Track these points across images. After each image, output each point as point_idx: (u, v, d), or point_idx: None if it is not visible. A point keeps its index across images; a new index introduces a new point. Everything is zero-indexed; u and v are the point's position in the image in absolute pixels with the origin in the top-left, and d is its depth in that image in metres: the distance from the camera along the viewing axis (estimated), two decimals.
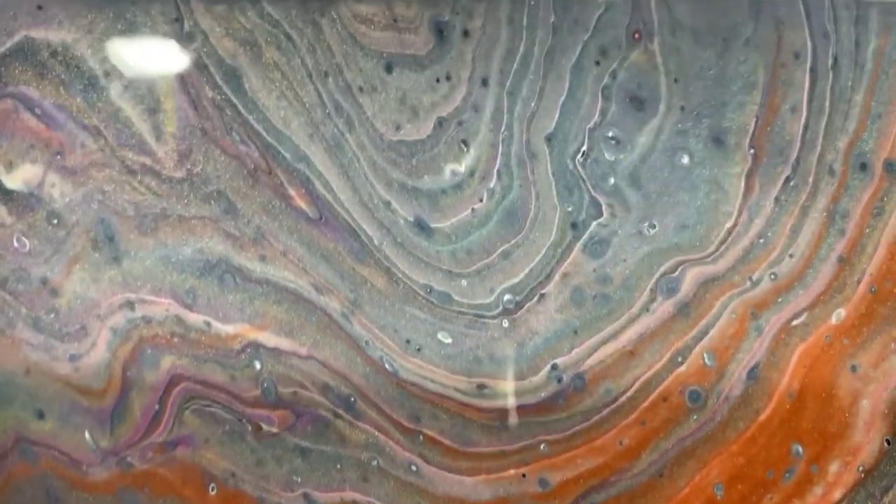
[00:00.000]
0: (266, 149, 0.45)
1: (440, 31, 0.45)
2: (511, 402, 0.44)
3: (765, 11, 0.45)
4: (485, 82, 0.45)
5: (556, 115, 0.45)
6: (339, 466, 0.46)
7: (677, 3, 0.45)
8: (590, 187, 0.45)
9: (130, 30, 0.45)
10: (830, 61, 0.45)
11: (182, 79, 0.45)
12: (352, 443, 0.47)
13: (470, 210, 0.46)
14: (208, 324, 0.46)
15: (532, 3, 0.45)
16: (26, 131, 0.46)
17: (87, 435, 0.47)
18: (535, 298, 0.46)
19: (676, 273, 0.45)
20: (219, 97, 0.45)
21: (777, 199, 0.45)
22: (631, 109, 0.45)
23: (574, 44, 0.44)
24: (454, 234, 0.46)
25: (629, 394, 0.46)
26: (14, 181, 0.46)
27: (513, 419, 0.44)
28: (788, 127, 0.44)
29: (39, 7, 0.45)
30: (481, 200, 0.46)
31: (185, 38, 0.45)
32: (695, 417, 0.46)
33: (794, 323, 0.45)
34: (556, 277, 0.46)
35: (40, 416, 0.48)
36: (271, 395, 0.47)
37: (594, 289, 0.46)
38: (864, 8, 0.45)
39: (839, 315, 0.45)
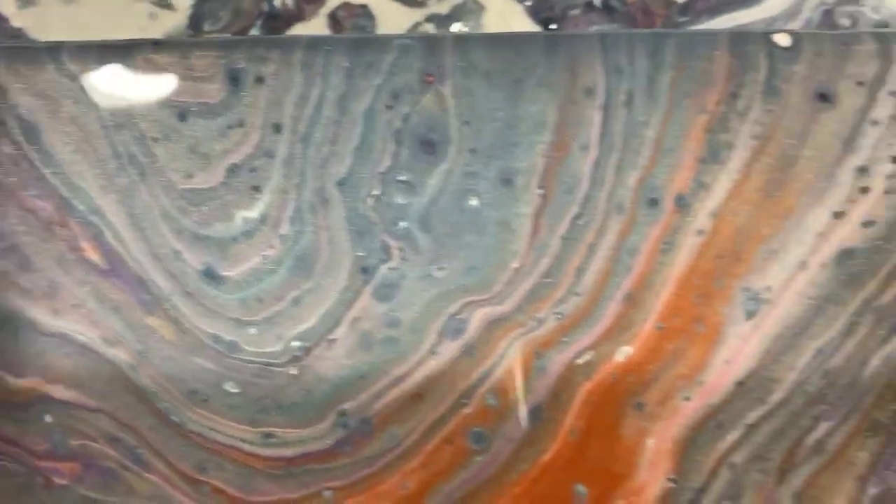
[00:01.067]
0: (61, 202, 0.51)
1: (235, 79, 0.51)
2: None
3: (560, 51, 0.50)
4: (278, 128, 0.51)
5: (349, 160, 0.51)
6: None
7: (471, 45, 0.51)
8: (380, 231, 0.50)
9: None
10: (623, 97, 0.51)
11: None
12: (139, 494, 0.50)
13: (261, 257, 0.50)
14: (1, 378, 0.51)
15: (328, 48, 0.51)
16: None
17: None
18: (324, 344, 0.50)
19: (463, 315, 0.50)
20: (16, 152, 0.51)
21: (564, 238, 0.49)
22: (422, 153, 0.50)
23: (367, 88, 0.50)
24: (244, 282, 0.50)
25: (414, 437, 0.49)
26: None
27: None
28: (578, 165, 0.50)
29: None
30: (272, 247, 0.50)
31: None
32: (478, 459, 0.49)
33: (579, 362, 0.48)
34: (346, 322, 0.50)
35: None
36: (61, 447, 0.51)
37: (382, 332, 0.50)
38: (660, 40, 0.51)
39: (625, 353, 0.49)
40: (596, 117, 0.48)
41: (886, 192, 0.47)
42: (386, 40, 0.49)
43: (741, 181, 0.47)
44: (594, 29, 0.65)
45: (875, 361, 0.45)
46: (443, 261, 0.47)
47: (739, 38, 0.49)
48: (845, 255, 0.46)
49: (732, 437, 0.45)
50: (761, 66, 0.48)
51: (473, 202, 0.47)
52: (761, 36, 0.49)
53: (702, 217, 0.47)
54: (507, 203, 0.47)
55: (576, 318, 0.46)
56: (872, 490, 0.45)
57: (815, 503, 0.45)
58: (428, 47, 0.49)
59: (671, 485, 0.45)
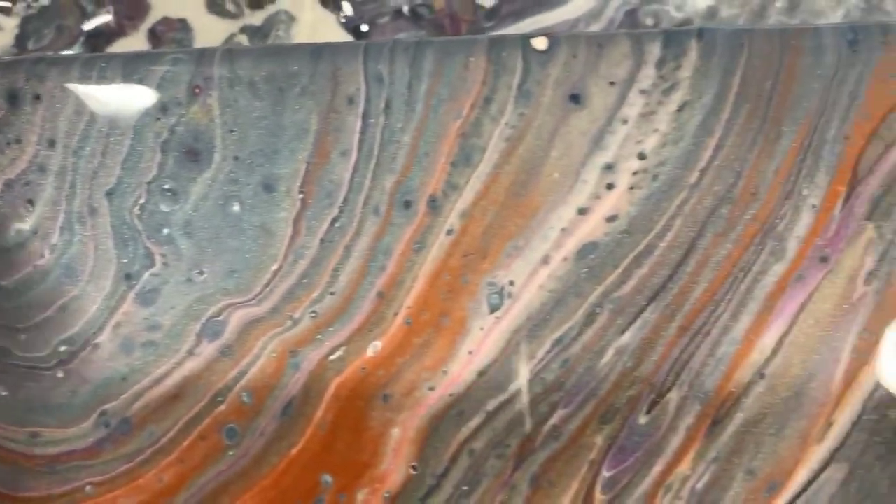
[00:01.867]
0: None
1: (14, 98, 0.57)
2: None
3: (324, 60, 0.56)
4: (52, 143, 0.57)
5: (118, 171, 0.56)
6: None
7: (239, 57, 0.57)
8: (145, 239, 0.56)
9: None
10: (383, 104, 0.57)
11: None
12: None
13: (32, 267, 0.56)
14: None
15: (103, 65, 0.57)
16: None
17: None
18: (89, 348, 0.56)
19: (222, 317, 0.55)
20: None
21: (322, 241, 0.55)
22: (187, 162, 0.56)
23: (138, 101, 0.56)
24: (16, 291, 0.56)
25: (170, 435, 0.55)
26: None
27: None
28: (338, 171, 0.55)
29: None
30: (43, 256, 0.56)
31: None
32: (231, 454, 0.55)
33: (332, 358, 0.54)
34: (109, 327, 0.56)
35: None
36: None
37: (144, 336, 0.56)
38: (421, 49, 0.57)
39: (375, 347, 0.54)
40: (356, 124, 0.54)
41: (631, 187, 0.53)
42: (157, 55, 0.55)
43: (490, 182, 0.53)
44: (402, 36, 0.71)
45: (611, 351, 0.51)
46: (204, 265, 0.53)
47: (497, 44, 0.55)
48: (588, 248, 0.52)
49: (473, 424, 0.51)
50: (517, 71, 0.55)
51: (235, 208, 0.53)
52: (519, 41, 0.56)
53: (452, 218, 0.53)
54: (268, 208, 0.53)
55: (330, 317, 0.51)
56: (606, 473, 0.51)
57: (550, 486, 0.51)
58: (197, 60, 0.55)
59: (413, 472, 0.51)
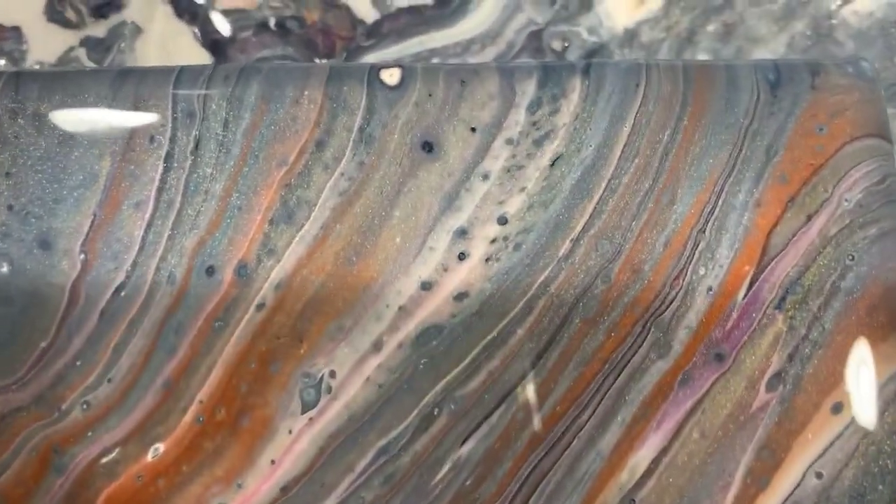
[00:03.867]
0: None
1: None
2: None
3: (127, 87, 0.46)
4: None
5: None
6: None
7: (26, 82, 0.47)
8: None
9: None
10: (192, 145, 0.47)
11: None
12: None
13: None
14: None
15: None
16: None
17: None
18: None
19: None
20: None
21: (103, 313, 0.45)
22: None
23: None
24: None
25: None
26: None
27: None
28: (129, 226, 0.45)
29: None
30: None
31: None
32: None
33: (103, 461, 0.44)
34: None
35: None
36: None
37: None
38: (245, 77, 0.47)
39: (157, 451, 0.44)
40: (156, 169, 0.44)
41: (487, 259, 0.43)
42: None
43: (317, 247, 0.43)
44: (265, 53, 0.61)
45: (447, 465, 0.41)
46: None
47: (338, 75, 0.45)
48: (430, 333, 0.42)
49: None
50: (359, 110, 0.44)
51: (3, 269, 0.43)
52: (365, 71, 0.45)
53: (265, 289, 0.42)
54: (42, 270, 0.43)
55: (106, 409, 0.42)
56: None
57: None
58: None
59: None
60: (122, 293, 0.41)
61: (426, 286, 0.41)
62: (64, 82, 0.44)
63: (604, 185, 0.42)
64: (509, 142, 0.43)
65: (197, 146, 0.43)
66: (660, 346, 0.41)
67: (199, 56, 0.57)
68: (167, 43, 0.59)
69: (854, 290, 0.41)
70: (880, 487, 0.39)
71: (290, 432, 0.40)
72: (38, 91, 0.44)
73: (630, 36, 0.58)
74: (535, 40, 0.58)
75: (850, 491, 0.40)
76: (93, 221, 0.42)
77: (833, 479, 0.40)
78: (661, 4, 0.57)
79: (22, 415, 0.42)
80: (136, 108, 0.43)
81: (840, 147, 0.43)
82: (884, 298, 0.41)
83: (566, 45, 0.57)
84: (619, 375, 0.41)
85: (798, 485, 0.40)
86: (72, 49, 0.59)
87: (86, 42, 0.59)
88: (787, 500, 0.40)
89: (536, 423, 0.41)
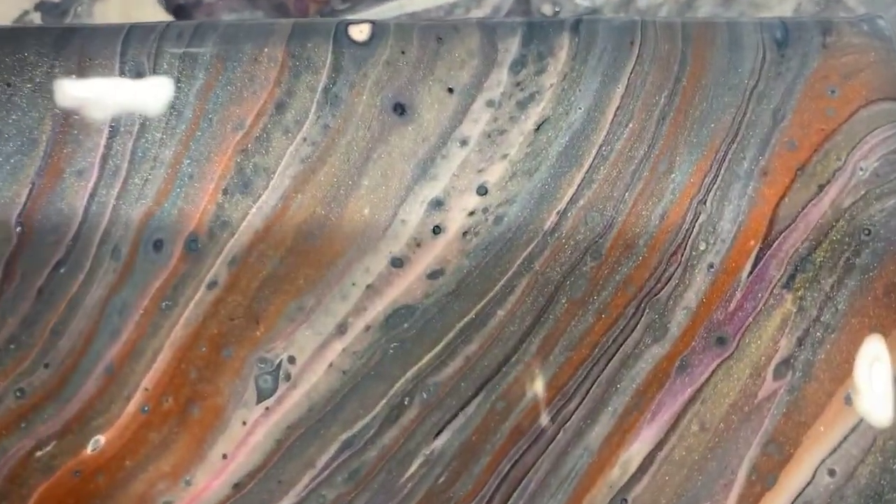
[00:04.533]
0: None
1: None
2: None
3: (72, 46, 0.42)
4: None
5: None
6: None
7: None
8: None
9: None
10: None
11: None
12: None
13: None
14: None
15: None
16: None
17: None
18: None
19: None
20: None
21: (41, 291, 0.40)
22: None
23: None
24: None
25: None
26: None
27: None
28: (70, 196, 0.41)
29: None
30: None
31: None
32: None
33: (38, 454, 0.40)
34: None
35: None
36: None
37: None
38: (199, 35, 0.42)
39: (97, 443, 0.40)
40: (101, 134, 0.39)
41: (465, 233, 0.38)
42: None
43: (276, 219, 0.38)
44: (233, 17, 0.57)
45: (419, 459, 0.36)
46: None
47: (302, 31, 0.40)
48: (400, 315, 0.38)
49: None
50: (324, 68, 0.40)
51: None
52: (332, 28, 0.41)
53: (217, 266, 0.38)
54: None
55: (41, 398, 0.37)
56: None
57: None
58: None
59: None
60: (62, 270, 0.37)
61: (397, 263, 0.37)
62: (2, 41, 0.40)
63: (594, 151, 0.38)
64: (490, 104, 0.38)
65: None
66: (655, 328, 0.37)
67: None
68: (129, 8, 0.55)
69: (870, 268, 0.37)
70: None
71: (245, 423, 0.36)
72: None
73: (626, 0, 0.54)
74: (524, 4, 0.53)
75: (865, 490, 0.35)
76: (31, 191, 0.38)
77: (847, 476, 0.35)
78: None
79: None
80: (80, 67, 0.39)
81: (854, 111, 0.38)
82: None
83: (557, 9, 0.52)
84: (609, 361, 0.37)
85: (809, 483, 0.35)
86: (26, 13, 0.55)
87: (41, 6, 0.55)
88: (796, 499, 0.35)
89: (545, 419, 0.36)
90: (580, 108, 0.39)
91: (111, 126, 0.38)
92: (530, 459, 0.36)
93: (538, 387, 0.37)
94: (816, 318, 0.37)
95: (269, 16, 0.54)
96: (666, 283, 0.38)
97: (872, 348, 0.37)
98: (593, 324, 0.37)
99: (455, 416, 0.37)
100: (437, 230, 0.38)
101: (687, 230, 0.38)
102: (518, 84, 0.39)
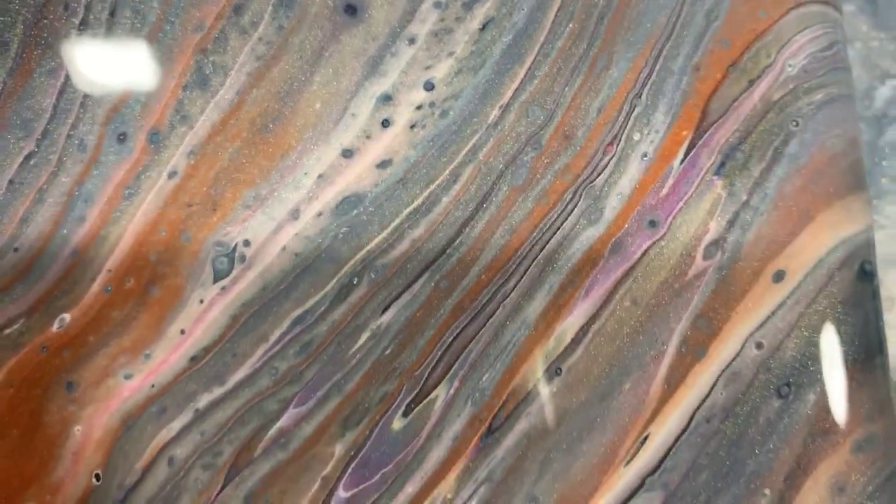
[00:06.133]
0: None
1: None
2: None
3: None
4: None
5: None
6: None
7: None
8: None
9: None
10: (107, 12, 0.45)
11: None
12: None
13: None
14: None
15: None
16: None
17: None
18: None
19: None
20: None
21: (12, 182, 0.43)
22: None
23: None
24: None
25: None
26: None
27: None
28: (40, 94, 0.43)
29: None
30: None
31: None
32: None
33: (6, 332, 0.42)
34: None
35: None
36: None
37: None
38: None
39: (63, 321, 0.42)
40: (70, 36, 0.42)
41: (412, 126, 0.41)
42: None
43: (232, 113, 0.41)
44: None
45: (366, 334, 0.39)
46: None
47: None
48: (350, 201, 0.40)
49: (177, 424, 0.39)
50: None
51: None
52: None
53: (178, 157, 0.41)
54: None
55: (10, 279, 0.40)
56: (343, 493, 0.39)
57: None
58: None
59: (96, 482, 0.38)
60: (32, 161, 0.39)
61: (347, 154, 0.39)
62: None
63: (536, 49, 0.40)
64: (437, 5, 0.41)
65: (112, 12, 0.41)
66: (591, 213, 0.39)
67: None
68: None
69: (799, 156, 0.39)
70: (823, 357, 0.37)
71: (202, 302, 0.38)
72: None
73: None
74: None
75: (791, 361, 0.38)
76: (2, 89, 0.40)
77: (774, 348, 0.38)
78: None
79: None
80: None
81: (785, 13, 0.41)
82: (829, 165, 0.39)
83: None
84: (547, 243, 0.39)
85: (737, 355, 0.38)
86: None
87: None
88: (724, 370, 0.38)
89: (457, 294, 0.38)
90: (523, 9, 0.41)
91: (79, 30, 0.41)
92: (471, 332, 0.39)
93: (481, 266, 0.39)
94: (746, 203, 0.40)
95: None
96: (601, 172, 0.40)
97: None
98: (532, 209, 0.40)
99: (401, 294, 0.39)
100: (385, 123, 0.41)
101: (622, 123, 0.40)
102: None
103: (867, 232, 0.39)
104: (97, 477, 0.37)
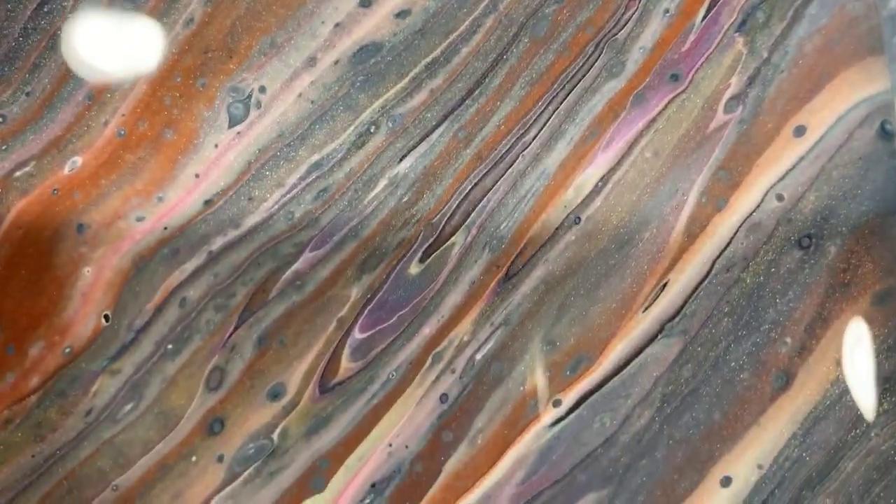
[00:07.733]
0: None
1: None
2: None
3: None
4: None
5: None
6: None
7: None
8: None
9: None
10: None
11: None
12: None
13: None
14: None
15: None
16: None
17: None
18: None
19: None
20: None
21: (26, 27, 0.42)
22: None
23: None
24: None
25: None
26: None
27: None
28: None
29: None
30: None
31: None
32: None
33: (17, 174, 0.41)
34: None
35: None
36: None
37: None
38: None
39: (74, 164, 0.42)
40: None
41: None
42: None
43: None
44: None
45: (383, 181, 0.39)
46: None
47: None
48: (368, 50, 0.40)
49: (190, 266, 0.38)
50: None
51: None
52: None
53: (194, 4, 0.40)
54: None
55: (22, 123, 0.39)
56: (358, 335, 0.38)
57: (281, 347, 0.38)
58: None
59: (105, 323, 0.38)
60: (46, 7, 0.39)
61: (365, 3, 0.39)
62: None
63: None
64: None
65: None
66: (612, 66, 0.39)
67: None
68: None
69: (819, 17, 0.39)
70: (843, 212, 0.37)
71: (217, 146, 0.38)
72: None
73: None
74: None
75: (812, 215, 0.37)
76: None
77: (795, 201, 0.38)
78: None
79: None
80: None
81: None
82: (849, 27, 0.39)
83: None
84: (568, 95, 0.39)
85: (758, 206, 0.38)
86: None
87: None
88: (745, 220, 0.38)
89: (475, 144, 0.38)
90: None
91: None
92: (490, 182, 0.39)
93: (500, 116, 0.39)
94: (767, 60, 0.39)
95: None
96: (624, 26, 0.40)
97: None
98: (553, 61, 0.39)
99: (419, 143, 0.39)
100: None
101: None
102: None
103: (888, 93, 0.38)
104: (106, 318, 0.37)
